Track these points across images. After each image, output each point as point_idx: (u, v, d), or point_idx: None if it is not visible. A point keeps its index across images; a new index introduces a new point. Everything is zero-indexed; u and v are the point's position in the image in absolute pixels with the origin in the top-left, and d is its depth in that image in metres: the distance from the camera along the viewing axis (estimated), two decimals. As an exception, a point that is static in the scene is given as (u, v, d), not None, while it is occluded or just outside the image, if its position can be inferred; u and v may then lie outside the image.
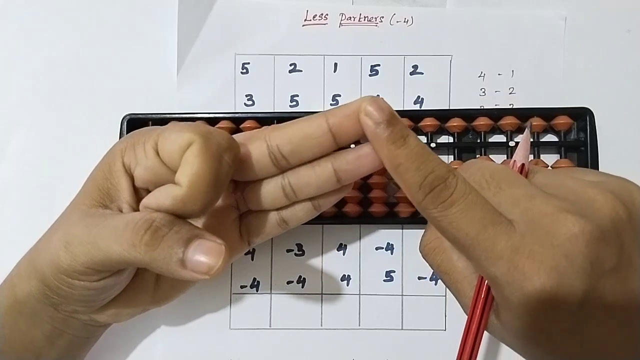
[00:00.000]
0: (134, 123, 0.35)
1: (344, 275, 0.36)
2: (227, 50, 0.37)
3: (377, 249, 0.36)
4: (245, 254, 0.36)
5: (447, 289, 0.27)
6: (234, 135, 0.26)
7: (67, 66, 0.37)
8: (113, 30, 0.38)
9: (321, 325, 0.36)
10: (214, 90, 0.37)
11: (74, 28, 0.38)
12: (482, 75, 0.37)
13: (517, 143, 0.35)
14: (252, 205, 0.29)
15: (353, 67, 0.37)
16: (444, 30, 0.37)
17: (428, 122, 0.35)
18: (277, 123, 0.34)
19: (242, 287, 0.36)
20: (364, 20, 0.37)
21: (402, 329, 0.36)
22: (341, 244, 0.37)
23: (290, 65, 0.37)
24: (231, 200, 0.29)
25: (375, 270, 0.36)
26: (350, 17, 0.37)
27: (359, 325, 0.36)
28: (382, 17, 0.37)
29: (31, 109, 0.37)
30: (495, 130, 0.36)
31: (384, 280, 0.36)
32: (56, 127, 0.37)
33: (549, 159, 0.35)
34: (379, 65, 0.37)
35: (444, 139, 0.37)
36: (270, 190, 0.28)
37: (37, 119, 0.37)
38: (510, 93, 0.37)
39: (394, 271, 0.36)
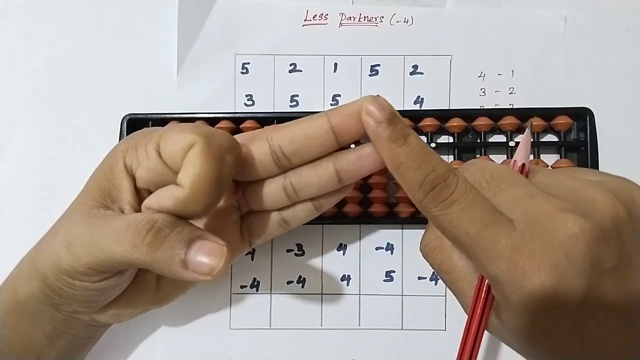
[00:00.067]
0: (134, 123, 0.35)
1: (344, 275, 0.36)
2: (227, 50, 0.37)
3: (377, 249, 0.36)
4: (245, 254, 0.36)
5: (448, 289, 0.27)
6: (235, 136, 0.26)
7: (67, 66, 0.37)
8: (113, 30, 0.38)
9: (321, 325, 0.36)
10: (214, 90, 0.37)
11: (74, 28, 0.38)
12: (482, 75, 0.37)
13: (517, 143, 0.35)
14: (253, 206, 0.29)
15: (353, 67, 0.37)
16: (444, 30, 0.37)
17: (428, 122, 0.35)
18: (277, 123, 0.34)
19: (242, 287, 0.36)
20: (364, 20, 0.37)
21: (402, 329, 0.36)
22: (341, 244, 0.37)
23: (290, 65, 0.37)
24: (233, 201, 0.29)
25: (375, 270, 0.36)
26: (350, 17, 0.37)
27: (359, 325, 0.36)
28: (382, 17, 0.37)
29: (31, 109, 0.37)
30: (495, 130, 0.36)
31: (384, 280, 0.36)
32: (56, 127, 0.37)
33: (549, 159, 0.35)
34: (379, 65, 0.37)
35: (444, 139, 0.37)
36: (272, 191, 0.28)
37: (37, 119, 0.37)
38: (510, 93, 0.37)
39: (394, 271, 0.36)
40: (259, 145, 0.26)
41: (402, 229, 0.36)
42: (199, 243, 0.23)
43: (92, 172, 0.27)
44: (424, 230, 0.27)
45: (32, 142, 0.37)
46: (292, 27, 0.37)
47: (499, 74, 0.37)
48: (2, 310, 0.28)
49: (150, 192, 0.26)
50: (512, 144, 0.35)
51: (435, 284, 0.36)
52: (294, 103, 0.37)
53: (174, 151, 0.24)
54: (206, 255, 0.23)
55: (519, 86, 0.37)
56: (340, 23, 0.37)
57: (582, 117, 0.35)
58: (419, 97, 0.37)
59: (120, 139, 0.35)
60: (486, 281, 0.23)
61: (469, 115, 0.35)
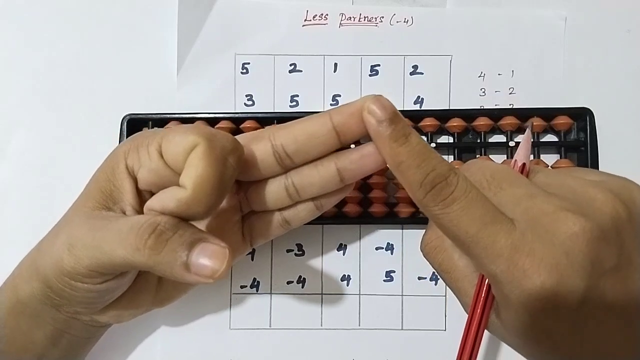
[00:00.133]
0: (134, 123, 0.35)
1: (344, 275, 0.36)
2: (227, 50, 0.37)
3: (377, 249, 0.36)
4: (246, 254, 0.36)
5: (448, 289, 0.27)
6: (237, 136, 0.26)
7: (67, 66, 0.37)
8: (113, 30, 0.38)
9: (321, 325, 0.36)
10: (214, 90, 0.37)
11: (74, 28, 0.38)
12: (482, 75, 0.37)
13: (517, 143, 0.35)
14: (255, 206, 0.29)
15: (353, 67, 0.37)
16: (444, 30, 0.37)
17: (428, 122, 0.35)
18: (277, 123, 0.34)
19: (242, 287, 0.36)
20: (364, 20, 0.37)
21: (402, 329, 0.36)
22: (341, 244, 0.37)
23: (290, 65, 0.37)
24: (234, 202, 0.29)
25: (375, 270, 0.36)
26: (350, 17, 0.37)
27: (359, 325, 0.36)
28: (382, 17, 0.37)
29: (31, 109, 0.37)
30: (495, 130, 0.36)
31: (384, 280, 0.36)
32: (56, 127, 0.37)
33: (549, 159, 0.35)
34: (379, 65, 0.37)
35: (444, 139, 0.37)
36: (274, 191, 0.28)
37: (37, 119, 0.37)
38: (510, 93, 0.37)
39: (394, 271, 0.36)
40: (261, 145, 0.26)
41: (402, 229, 0.36)
42: (201, 245, 0.23)
43: (93, 174, 0.27)
44: (424, 230, 0.27)
45: (32, 142, 0.37)
46: (292, 27, 0.37)
47: (499, 74, 0.37)
48: (3, 310, 0.28)
49: (151, 194, 0.26)
50: (512, 144, 0.35)
51: (435, 284, 0.36)
52: (294, 103, 0.37)
53: (176, 152, 0.24)
54: (208, 258, 0.23)
55: (519, 86, 0.37)
56: (340, 23, 0.37)
57: (582, 117, 0.35)
58: (419, 97, 0.37)
59: (120, 139, 0.35)
60: (486, 281, 0.23)
61: (469, 115, 0.35)
